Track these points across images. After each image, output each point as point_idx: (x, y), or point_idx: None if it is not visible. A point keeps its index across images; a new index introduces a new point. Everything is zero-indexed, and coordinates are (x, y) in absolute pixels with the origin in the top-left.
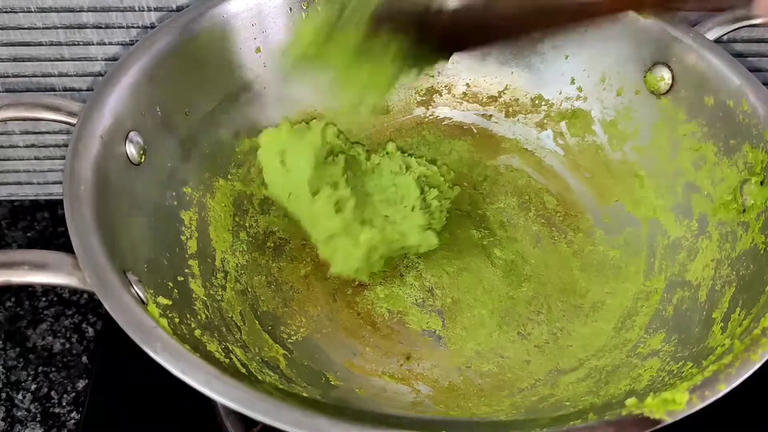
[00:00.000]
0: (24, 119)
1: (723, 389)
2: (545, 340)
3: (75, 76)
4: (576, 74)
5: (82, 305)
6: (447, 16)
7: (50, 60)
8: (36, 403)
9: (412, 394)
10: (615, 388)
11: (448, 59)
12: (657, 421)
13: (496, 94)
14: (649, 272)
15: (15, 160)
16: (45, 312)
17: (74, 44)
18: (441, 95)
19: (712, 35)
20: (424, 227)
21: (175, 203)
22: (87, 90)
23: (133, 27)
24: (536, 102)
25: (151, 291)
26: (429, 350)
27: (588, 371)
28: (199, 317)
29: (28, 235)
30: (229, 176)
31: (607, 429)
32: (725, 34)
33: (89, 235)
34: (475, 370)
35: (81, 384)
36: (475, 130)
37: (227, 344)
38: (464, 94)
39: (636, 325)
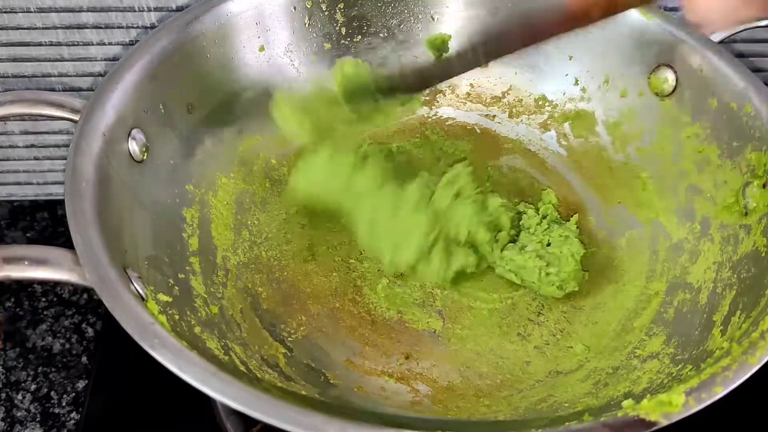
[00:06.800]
0: (27, 115)
1: (720, 392)
2: (545, 341)
3: (75, 76)
4: (580, 75)
5: (82, 305)
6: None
7: (50, 60)
8: (36, 404)
9: (411, 393)
10: (614, 390)
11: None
12: (653, 423)
13: (500, 95)
14: (651, 274)
15: (15, 160)
16: (45, 312)
17: (74, 44)
18: (444, 95)
19: (716, 37)
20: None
21: (177, 200)
22: (87, 90)
23: (133, 27)
24: (540, 103)
25: (152, 288)
26: (428, 350)
27: (587, 373)
28: (199, 314)
29: (28, 235)
30: (232, 174)
31: (603, 430)
32: (730, 36)
33: (90, 232)
34: (474, 370)
35: (81, 384)
36: (478, 131)
37: (227, 342)
38: (468, 94)
39: (636, 327)
